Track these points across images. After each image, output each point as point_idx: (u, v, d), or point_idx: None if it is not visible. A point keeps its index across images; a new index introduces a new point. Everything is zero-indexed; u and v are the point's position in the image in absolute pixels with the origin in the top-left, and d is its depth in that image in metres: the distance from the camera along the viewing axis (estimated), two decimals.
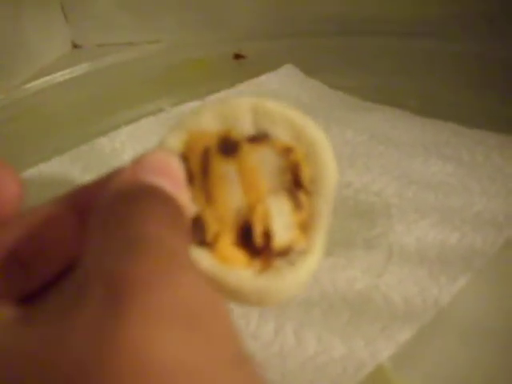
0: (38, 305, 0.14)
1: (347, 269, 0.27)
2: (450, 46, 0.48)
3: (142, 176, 0.16)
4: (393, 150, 0.36)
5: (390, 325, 0.24)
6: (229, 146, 0.19)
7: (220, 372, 0.12)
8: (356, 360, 0.23)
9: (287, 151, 0.19)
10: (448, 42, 0.48)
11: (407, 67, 0.47)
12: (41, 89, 0.51)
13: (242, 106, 0.19)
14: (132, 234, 0.14)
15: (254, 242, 0.18)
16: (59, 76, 0.53)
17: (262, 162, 0.19)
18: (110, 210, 0.15)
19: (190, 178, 0.18)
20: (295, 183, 0.19)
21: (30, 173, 0.37)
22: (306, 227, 0.19)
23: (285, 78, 0.49)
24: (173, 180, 0.17)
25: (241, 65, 0.54)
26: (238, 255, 0.18)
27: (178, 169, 0.18)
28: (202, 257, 0.17)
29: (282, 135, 0.19)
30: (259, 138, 0.19)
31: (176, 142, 0.19)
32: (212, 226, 0.18)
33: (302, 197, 0.19)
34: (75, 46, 0.61)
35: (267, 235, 0.18)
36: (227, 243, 0.18)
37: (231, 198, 0.18)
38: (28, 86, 0.51)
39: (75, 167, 0.38)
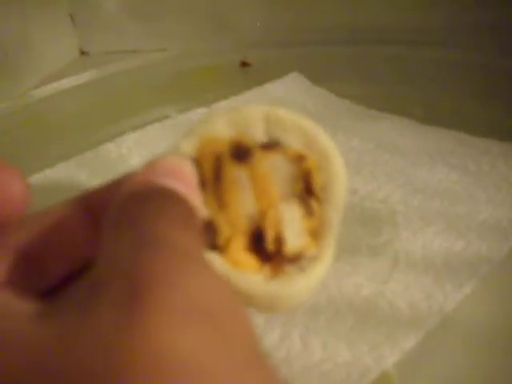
0: (53, 303, 0.14)
1: (353, 275, 0.27)
2: (456, 56, 0.48)
3: (155, 178, 0.16)
4: (398, 158, 0.36)
5: (395, 331, 0.24)
6: (241, 152, 0.19)
7: (236, 372, 0.12)
8: (361, 366, 0.23)
9: (299, 159, 0.19)
10: (453, 52, 0.49)
11: (413, 76, 0.47)
12: (48, 95, 0.51)
13: (254, 113, 0.19)
14: (145, 234, 0.14)
15: (265, 248, 0.18)
16: (66, 82, 0.53)
17: (274, 169, 0.19)
18: (123, 210, 0.15)
19: (203, 183, 0.18)
20: (306, 191, 0.19)
21: (36, 178, 0.37)
22: (316, 234, 0.19)
23: (291, 85, 0.49)
24: (185, 183, 0.17)
25: (247, 73, 0.54)
26: (249, 260, 0.18)
27: (190, 172, 0.18)
28: (213, 261, 0.18)
29: (294, 143, 0.19)
30: (271, 146, 0.19)
31: (189, 147, 0.19)
32: (224, 231, 0.18)
33: (314, 204, 0.19)
34: (83, 53, 0.62)
35: (279, 241, 0.18)
36: (239, 248, 0.18)
37: (243, 203, 0.18)
38: (35, 92, 0.51)
39: (81, 172, 0.38)
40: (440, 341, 0.24)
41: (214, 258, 0.18)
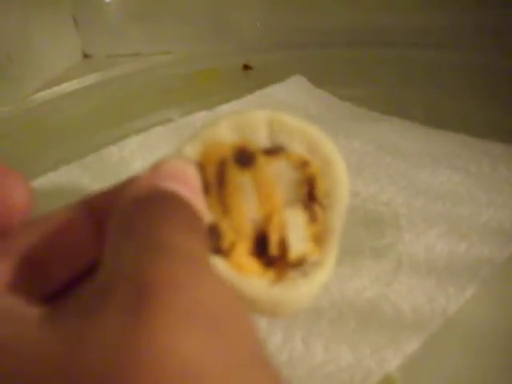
0: (58, 307, 0.14)
1: (356, 278, 0.27)
2: (456, 58, 0.48)
3: (159, 182, 0.16)
4: (400, 161, 0.36)
5: (398, 334, 0.24)
6: (245, 157, 0.19)
7: (240, 375, 0.12)
8: (363, 369, 0.22)
9: (303, 164, 0.19)
10: (454, 54, 0.49)
11: (414, 78, 0.47)
12: (51, 98, 0.51)
13: (258, 118, 0.19)
14: (150, 238, 0.14)
15: (269, 252, 0.18)
16: (69, 86, 0.53)
17: (278, 175, 0.19)
18: (128, 214, 0.15)
19: (206, 188, 0.18)
20: (310, 196, 0.19)
21: (39, 182, 0.37)
22: (319, 240, 0.19)
23: (293, 88, 0.49)
24: (189, 186, 0.17)
25: (249, 76, 0.54)
26: (253, 264, 0.18)
27: (194, 176, 0.18)
28: (217, 265, 0.18)
29: (298, 149, 0.19)
30: (275, 151, 0.19)
31: (192, 152, 0.19)
32: (228, 235, 0.18)
33: (317, 210, 0.19)
34: (86, 56, 0.62)
35: (282, 246, 0.18)
36: (242, 252, 0.18)
37: (247, 208, 0.18)
38: (38, 95, 0.52)
39: (84, 176, 0.38)
40: (442, 343, 0.24)
41: (218, 263, 0.18)
